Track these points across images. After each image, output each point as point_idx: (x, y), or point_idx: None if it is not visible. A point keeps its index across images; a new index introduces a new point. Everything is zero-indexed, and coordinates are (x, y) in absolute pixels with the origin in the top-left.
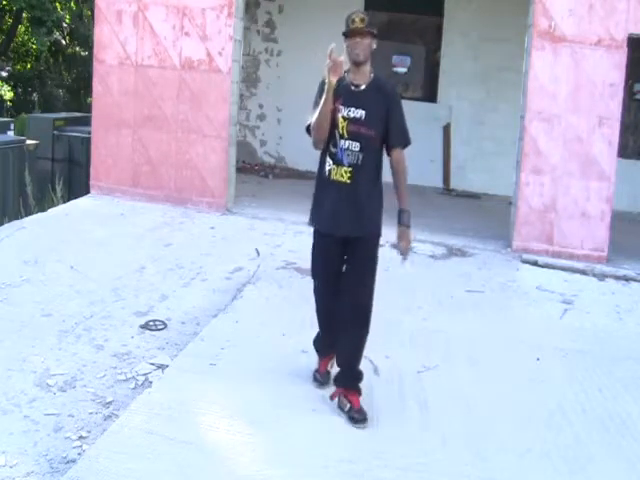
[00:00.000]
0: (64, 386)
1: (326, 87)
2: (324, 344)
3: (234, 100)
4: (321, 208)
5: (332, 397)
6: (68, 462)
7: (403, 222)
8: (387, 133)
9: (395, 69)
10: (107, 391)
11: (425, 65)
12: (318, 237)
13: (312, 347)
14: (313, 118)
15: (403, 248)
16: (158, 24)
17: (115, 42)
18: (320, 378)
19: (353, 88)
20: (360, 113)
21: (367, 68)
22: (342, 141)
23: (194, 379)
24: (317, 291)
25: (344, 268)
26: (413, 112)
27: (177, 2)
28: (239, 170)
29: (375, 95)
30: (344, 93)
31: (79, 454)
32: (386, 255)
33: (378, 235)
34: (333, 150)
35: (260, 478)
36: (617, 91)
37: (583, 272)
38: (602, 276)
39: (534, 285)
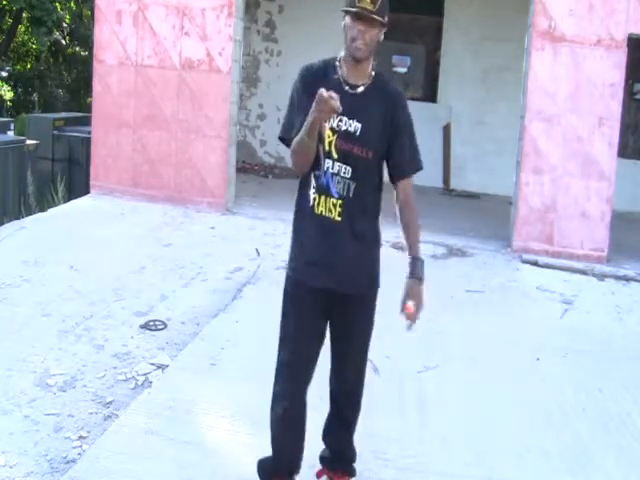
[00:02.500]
0: (64, 386)
1: (311, 118)
2: (277, 468)
3: (234, 100)
4: (304, 251)
5: (318, 475)
6: (68, 462)
7: (416, 274)
8: (391, 156)
9: (395, 69)
10: (107, 391)
11: (425, 65)
12: (295, 289)
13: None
14: (294, 142)
15: (414, 310)
16: (158, 24)
17: (115, 42)
18: None
19: (347, 89)
20: (355, 126)
21: (369, 65)
22: (329, 162)
23: (194, 379)
24: (284, 368)
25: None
26: (413, 112)
27: (177, 2)
28: (239, 170)
29: (376, 102)
30: (336, 92)
31: (79, 454)
32: (386, 255)
33: (377, 292)
34: (316, 172)
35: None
36: (617, 91)
37: (583, 272)
38: (602, 276)
39: (534, 285)
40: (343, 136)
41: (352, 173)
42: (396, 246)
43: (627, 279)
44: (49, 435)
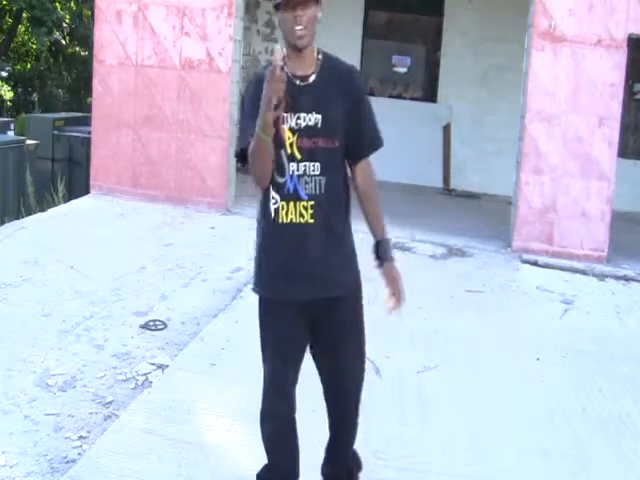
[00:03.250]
0: (64, 386)
1: (263, 105)
2: (272, 473)
3: (234, 100)
4: (272, 266)
5: None
6: (68, 462)
7: (388, 255)
8: (352, 139)
9: (395, 69)
10: (107, 391)
11: (425, 65)
12: (269, 308)
13: None
14: (250, 147)
15: (398, 292)
16: (158, 24)
17: (115, 42)
18: None
19: (298, 83)
20: (315, 118)
21: (312, 51)
22: (293, 165)
23: (194, 379)
24: (269, 387)
25: (312, 349)
26: (413, 112)
27: (177, 2)
28: (239, 170)
29: (332, 87)
30: (286, 93)
31: (79, 454)
32: None
33: (361, 286)
34: (280, 180)
35: None
36: (617, 91)
37: (583, 272)
38: (602, 276)
39: (534, 285)
40: (305, 133)
41: (321, 168)
42: (396, 246)
43: (627, 279)
44: (49, 435)
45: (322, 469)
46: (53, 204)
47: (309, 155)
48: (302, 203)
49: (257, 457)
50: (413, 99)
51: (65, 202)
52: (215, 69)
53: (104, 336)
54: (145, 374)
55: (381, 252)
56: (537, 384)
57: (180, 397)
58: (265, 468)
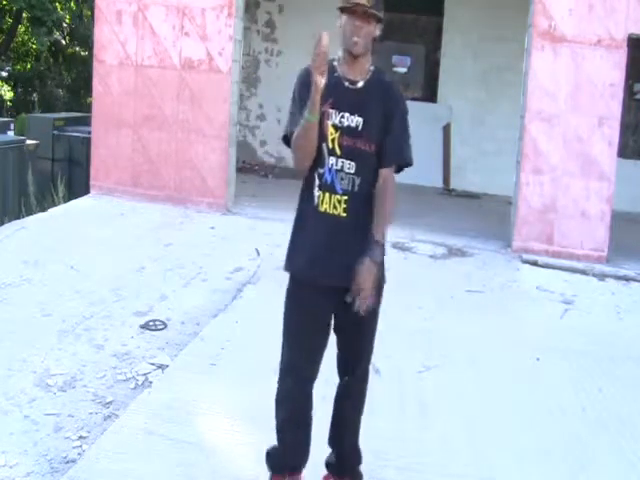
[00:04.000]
0: (64, 386)
1: (312, 88)
2: (286, 456)
3: (234, 100)
4: (306, 248)
5: None
6: (68, 462)
7: (370, 254)
8: (380, 147)
9: (395, 69)
10: (107, 391)
11: (425, 65)
12: (299, 289)
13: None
14: (295, 131)
15: (361, 290)
16: (158, 24)
17: (115, 42)
18: None
19: (347, 85)
20: (356, 120)
21: (366, 60)
22: (332, 159)
23: (194, 379)
24: (289, 368)
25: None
26: (413, 112)
27: (177, 2)
28: (239, 170)
29: (375, 96)
30: (335, 92)
31: (79, 454)
32: (386, 255)
33: (383, 287)
34: (320, 170)
35: (260, 478)
36: (617, 91)
37: (583, 272)
38: (602, 276)
39: (534, 285)
40: (346, 132)
41: (356, 168)
42: (396, 246)
43: (627, 279)
44: (49, 435)
45: (327, 460)
46: (53, 204)
47: (348, 153)
48: (337, 196)
49: (257, 457)
50: (413, 99)
51: (65, 202)
52: (215, 69)
53: (104, 336)
54: (145, 374)
55: (368, 250)
56: (537, 384)
57: (180, 397)
58: (275, 447)
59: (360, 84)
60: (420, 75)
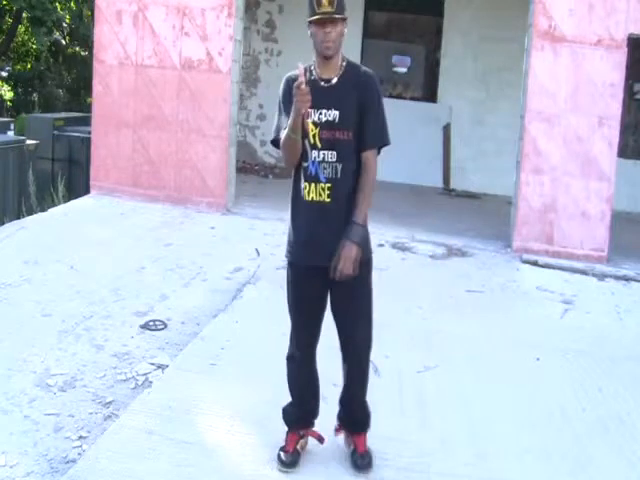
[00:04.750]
0: (64, 386)
1: (294, 111)
2: (298, 412)
3: (234, 100)
4: (298, 236)
5: (336, 432)
6: (68, 462)
7: (349, 236)
8: (361, 130)
9: (395, 69)
10: (107, 391)
11: (425, 65)
12: (295, 272)
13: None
14: (281, 136)
15: (338, 263)
16: (158, 24)
17: (115, 42)
18: (285, 459)
19: (322, 84)
20: (333, 114)
21: (338, 59)
22: (315, 152)
23: (194, 379)
24: (293, 335)
25: (330, 307)
26: (413, 112)
27: (177, 2)
28: (239, 170)
29: (350, 88)
30: (312, 92)
31: (79, 454)
32: (386, 255)
33: (370, 259)
34: (304, 164)
35: (259, 478)
36: (617, 91)
37: (583, 272)
38: (602, 276)
39: (534, 285)
40: (325, 126)
41: (337, 156)
42: (396, 246)
43: (627, 279)
44: (49, 435)
45: (338, 414)
46: (53, 204)
47: (328, 145)
48: (321, 185)
49: (257, 457)
50: (413, 99)
51: (65, 202)
52: (215, 69)
53: (104, 336)
54: (145, 374)
55: (346, 232)
56: (537, 384)
57: (180, 397)
58: (290, 404)
59: (334, 80)
60: (420, 75)
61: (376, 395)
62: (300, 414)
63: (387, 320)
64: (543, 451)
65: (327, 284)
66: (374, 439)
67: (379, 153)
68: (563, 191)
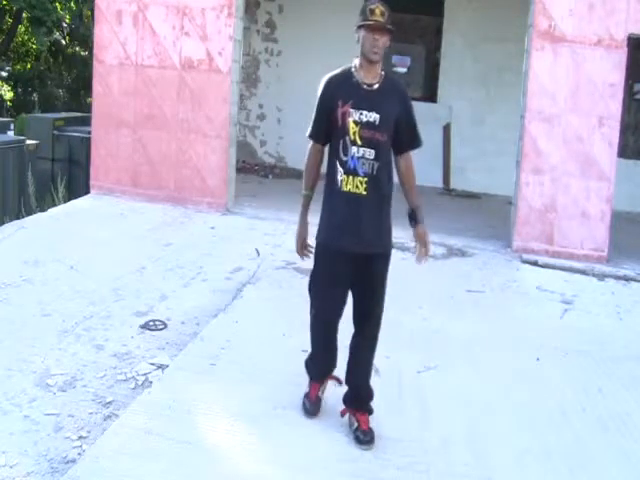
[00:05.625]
0: (64, 386)
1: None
2: (319, 366)
3: (234, 100)
4: (332, 221)
5: (342, 413)
6: (68, 462)
7: (419, 219)
8: (398, 135)
9: (395, 69)
10: (107, 391)
11: (425, 65)
12: (326, 253)
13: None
14: (306, 163)
15: (424, 245)
16: (158, 24)
17: (115, 42)
18: (309, 406)
19: (365, 87)
20: (374, 117)
21: (380, 66)
22: (354, 148)
23: (194, 379)
24: (315, 312)
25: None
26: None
27: (177, 2)
28: (239, 170)
29: (389, 96)
30: (354, 94)
31: (79, 454)
32: None
33: (391, 251)
34: (344, 158)
35: (259, 478)
36: (617, 91)
37: (583, 272)
38: (602, 276)
39: (534, 285)
40: (365, 126)
41: (375, 154)
42: (396, 246)
43: (627, 279)
44: (49, 435)
45: (344, 397)
46: (53, 204)
47: (367, 143)
48: (358, 178)
49: (257, 457)
50: (413, 99)
51: (65, 202)
52: (215, 69)
53: (104, 336)
54: (145, 374)
55: (414, 216)
56: (537, 384)
57: (180, 397)
58: (311, 358)
59: (376, 86)
60: (420, 75)
61: (376, 395)
62: (320, 367)
63: (387, 320)
64: (543, 451)
65: (352, 265)
66: (374, 439)
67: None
68: (563, 191)
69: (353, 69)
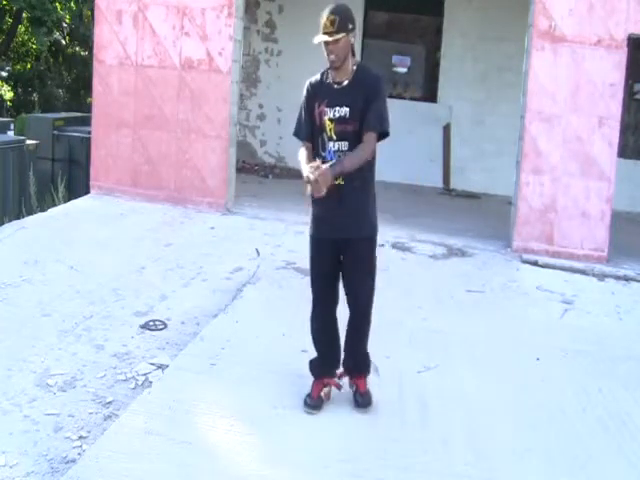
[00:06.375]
0: (64, 386)
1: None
2: (321, 364)
3: (234, 100)
4: (315, 212)
5: (340, 377)
6: (68, 462)
7: (334, 167)
8: (364, 119)
9: (395, 69)
10: (107, 391)
11: (425, 65)
12: (313, 242)
13: (314, 347)
14: (300, 156)
15: (315, 174)
16: (158, 24)
17: (115, 42)
18: (311, 403)
19: (336, 86)
20: (344, 110)
21: (347, 64)
22: (331, 143)
23: (194, 379)
24: (315, 298)
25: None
26: (413, 112)
27: (177, 2)
28: (239, 170)
29: (356, 89)
30: (328, 93)
31: (79, 454)
32: (386, 255)
33: (374, 235)
34: (322, 154)
35: (259, 478)
36: (617, 91)
37: (583, 272)
38: (602, 276)
39: (534, 285)
40: (338, 121)
41: (349, 145)
42: (396, 246)
43: (627, 279)
44: (49, 435)
45: (343, 362)
46: (53, 204)
47: (340, 136)
48: None
49: (257, 457)
50: (413, 99)
51: (65, 202)
52: (215, 69)
53: (104, 336)
54: (145, 374)
55: (333, 164)
56: (537, 384)
57: (180, 397)
58: (315, 358)
59: (345, 83)
60: (420, 75)
61: (376, 395)
62: (323, 366)
63: (387, 320)
64: (543, 451)
65: (339, 253)
66: (374, 439)
67: (379, 140)
68: (563, 191)
69: (329, 70)
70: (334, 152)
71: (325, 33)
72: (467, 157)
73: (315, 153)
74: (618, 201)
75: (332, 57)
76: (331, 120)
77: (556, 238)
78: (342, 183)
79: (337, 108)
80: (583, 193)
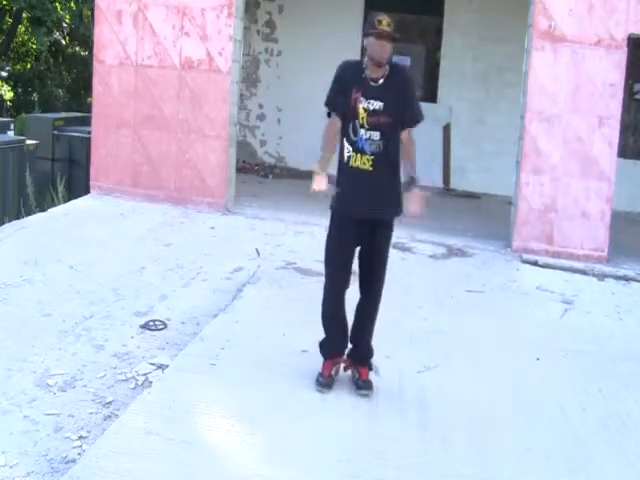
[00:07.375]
0: (64, 386)
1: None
2: (330, 345)
3: (234, 100)
4: (342, 192)
5: (345, 367)
6: (68, 462)
7: (413, 184)
8: (401, 115)
9: None
10: (107, 391)
11: (425, 65)
12: (338, 219)
13: (314, 347)
14: (325, 132)
15: (415, 205)
16: (158, 24)
17: (115, 42)
18: (323, 381)
19: (372, 83)
20: (379, 105)
21: (385, 66)
22: (362, 131)
23: (194, 379)
24: (329, 277)
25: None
26: None
27: (177, 2)
28: (239, 170)
29: (390, 87)
30: (364, 86)
31: (79, 454)
32: None
33: (397, 216)
34: (354, 138)
35: (260, 478)
36: (617, 91)
37: (583, 272)
38: (602, 276)
39: (534, 285)
40: (372, 113)
41: (381, 136)
42: (396, 246)
43: (627, 279)
44: (49, 435)
45: (347, 352)
46: (53, 204)
47: (373, 126)
48: (366, 156)
49: (257, 457)
50: None
51: (65, 202)
52: (215, 69)
53: (104, 336)
54: (145, 374)
55: (408, 183)
56: (537, 384)
57: (180, 397)
58: (324, 339)
59: (381, 81)
60: (420, 75)
61: (376, 395)
62: (333, 348)
63: (387, 320)
64: (543, 451)
65: (358, 230)
66: (374, 439)
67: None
68: (563, 191)
69: (364, 66)
70: (365, 140)
71: (383, 30)
72: (467, 157)
73: (344, 133)
74: (618, 201)
75: (384, 55)
76: (365, 110)
77: (556, 238)
78: (370, 169)
79: (372, 101)
80: (583, 193)
